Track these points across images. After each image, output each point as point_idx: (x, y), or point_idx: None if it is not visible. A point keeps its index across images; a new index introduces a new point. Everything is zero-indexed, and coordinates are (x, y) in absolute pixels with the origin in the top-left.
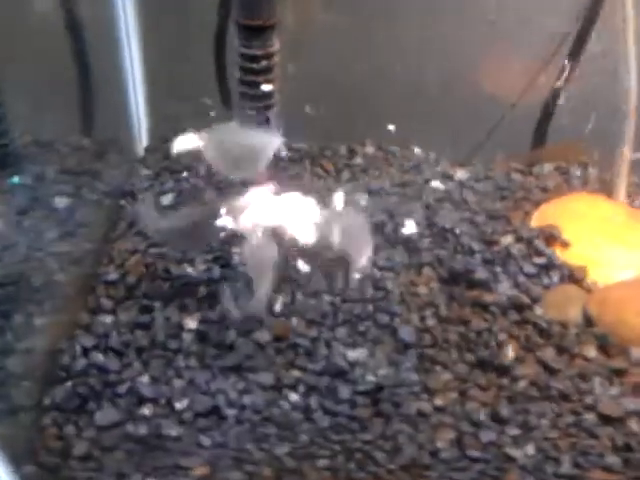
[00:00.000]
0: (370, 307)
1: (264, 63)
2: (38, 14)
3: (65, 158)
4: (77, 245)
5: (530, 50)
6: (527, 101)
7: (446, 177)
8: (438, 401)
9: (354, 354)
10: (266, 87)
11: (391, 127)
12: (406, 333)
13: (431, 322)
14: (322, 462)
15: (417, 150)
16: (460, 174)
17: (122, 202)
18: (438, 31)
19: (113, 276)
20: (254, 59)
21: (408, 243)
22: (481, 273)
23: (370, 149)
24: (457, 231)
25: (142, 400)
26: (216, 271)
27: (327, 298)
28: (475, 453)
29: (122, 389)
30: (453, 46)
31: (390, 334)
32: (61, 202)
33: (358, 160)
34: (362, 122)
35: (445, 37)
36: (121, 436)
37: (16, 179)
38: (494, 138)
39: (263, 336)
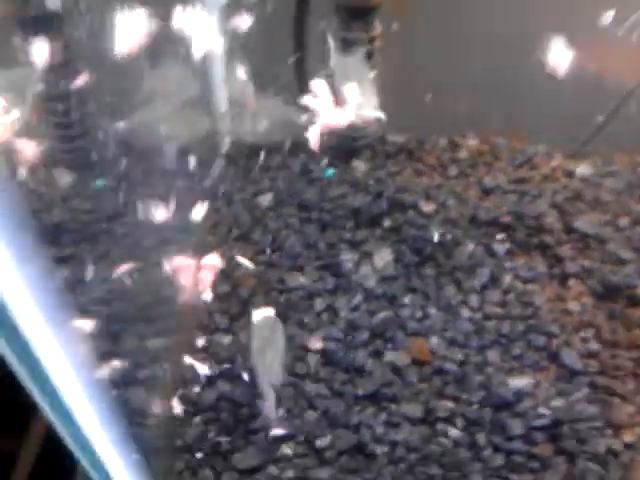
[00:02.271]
0: (520, 326)
1: (365, 48)
2: None
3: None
4: (179, 253)
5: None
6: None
7: (566, 173)
8: (627, 437)
9: (517, 383)
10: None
11: None
12: (570, 358)
13: (595, 346)
14: None
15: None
16: (581, 169)
17: (218, 204)
18: (541, 19)
19: (224, 289)
20: (355, 44)
21: (545, 249)
22: None
23: (473, 142)
24: (601, 237)
25: (280, 437)
26: (329, 281)
27: (466, 314)
28: None
29: (256, 425)
30: (556, 35)
31: (550, 359)
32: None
33: (463, 154)
34: (461, 113)
35: (550, 26)
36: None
37: (99, 183)
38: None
39: (399, 358)
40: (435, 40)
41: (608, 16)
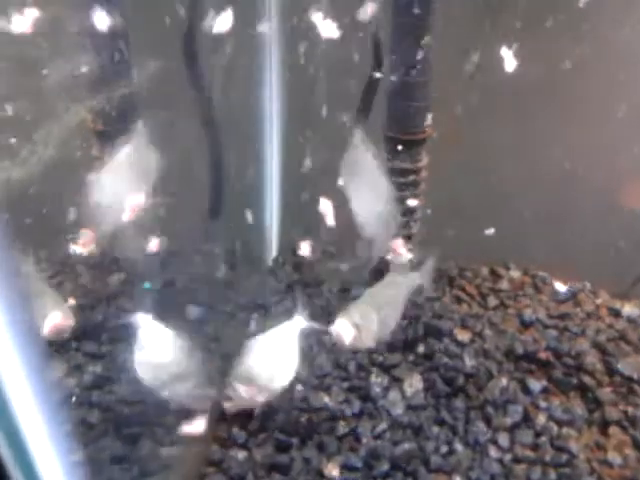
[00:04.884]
0: (552, 474)
1: (411, 177)
2: None
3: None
4: (208, 361)
5: None
6: None
7: (612, 312)
8: None
9: None
10: (412, 202)
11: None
12: None
13: None
14: None
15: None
16: (628, 309)
17: (254, 315)
18: (590, 147)
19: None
20: (402, 173)
21: (584, 391)
22: None
23: (516, 273)
24: None
25: None
26: (355, 405)
27: (494, 454)
28: None
29: None
30: (607, 167)
31: None
32: (193, 311)
33: (504, 284)
34: (504, 243)
35: (601, 157)
36: None
37: (147, 284)
38: None
39: None
40: (480, 170)
41: None
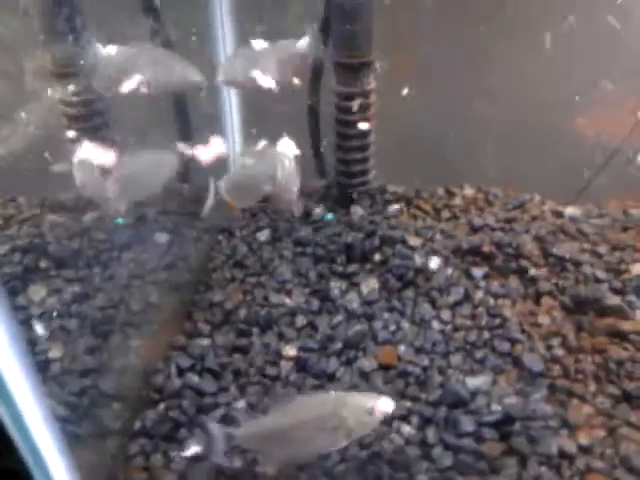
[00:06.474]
0: (486, 334)
1: (360, 101)
2: None
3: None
4: (176, 274)
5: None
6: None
7: (555, 214)
8: (582, 439)
9: (475, 382)
10: (363, 125)
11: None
12: (532, 361)
13: (560, 351)
14: None
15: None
16: (570, 210)
17: (219, 238)
18: (540, 70)
19: (211, 301)
20: (350, 97)
21: (522, 273)
22: (613, 300)
23: (469, 191)
24: (577, 261)
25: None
26: (315, 304)
27: (437, 326)
28: None
29: (216, 415)
30: (553, 87)
31: (513, 363)
32: (162, 237)
33: (457, 201)
34: (458, 165)
35: (549, 79)
36: (213, 469)
37: (120, 220)
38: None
39: (368, 364)
40: (435, 95)
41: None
